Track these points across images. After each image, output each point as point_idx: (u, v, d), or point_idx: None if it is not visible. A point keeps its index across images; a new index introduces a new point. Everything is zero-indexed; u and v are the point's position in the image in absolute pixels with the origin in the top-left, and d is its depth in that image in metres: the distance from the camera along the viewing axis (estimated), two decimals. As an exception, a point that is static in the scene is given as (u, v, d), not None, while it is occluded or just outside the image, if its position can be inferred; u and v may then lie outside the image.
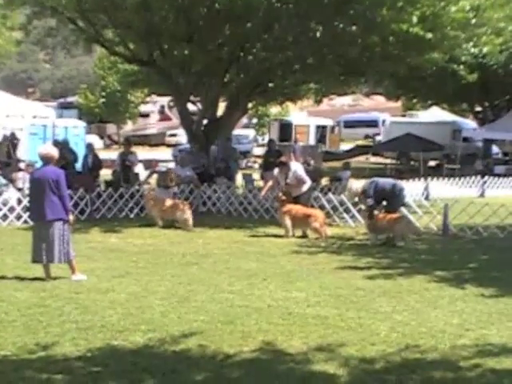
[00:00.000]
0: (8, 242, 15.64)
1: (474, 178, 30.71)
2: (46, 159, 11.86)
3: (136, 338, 8.47)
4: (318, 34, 20.57)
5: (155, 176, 22.04)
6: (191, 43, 22.03)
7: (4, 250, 14.61)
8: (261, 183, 24.74)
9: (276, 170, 18.16)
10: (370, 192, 16.44)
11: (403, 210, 17.59)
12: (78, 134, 36.29)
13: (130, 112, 60.78)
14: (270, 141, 29.15)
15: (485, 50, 23.64)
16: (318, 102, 30.45)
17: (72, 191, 19.41)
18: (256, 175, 27.59)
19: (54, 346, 8.10)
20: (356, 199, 18.26)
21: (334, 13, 19.92)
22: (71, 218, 11.98)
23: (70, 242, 11.89)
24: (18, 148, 24.41)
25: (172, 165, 25.28)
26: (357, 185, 17.17)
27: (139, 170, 22.84)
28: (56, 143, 24.23)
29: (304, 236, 17.26)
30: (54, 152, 12.00)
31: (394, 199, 16.68)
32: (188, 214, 18.12)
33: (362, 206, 17.66)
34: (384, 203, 16.83)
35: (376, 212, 16.44)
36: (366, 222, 16.91)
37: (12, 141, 24.15)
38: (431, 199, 24.14)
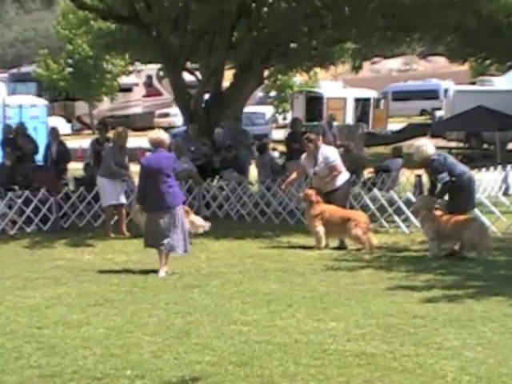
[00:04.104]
0: None
1: None
2: (156, 144, 14.44)
3: (120, 386, 8.50)
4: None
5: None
6: (187, -9, 22.07)
7: None
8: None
9: (302, 157, 17.92)
10: (441, 164, 16.08)
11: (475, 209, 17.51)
12: (37, 115, 36.44)
13: (106, 85, 60.92)
14: (294, 120, 29.15)
15: None
16: (357, 67, 30.40)
17: (30, 192, 19.49)
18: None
19: (10, 399, 8.14)
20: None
21: None
22: None
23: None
24: None
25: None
26: (428, 149, 16.45)
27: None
28: (9, 129, 24.36)
29: (342, 247, 17.27)
30: (164, 136, 14.70)
31: (462, 194, 16.43)
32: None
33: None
34: (445, 198, 16.61)
35: (437, 212, 16.26)
36: (425, 225, 16.71)
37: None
38: (512, 194, 24.11)
